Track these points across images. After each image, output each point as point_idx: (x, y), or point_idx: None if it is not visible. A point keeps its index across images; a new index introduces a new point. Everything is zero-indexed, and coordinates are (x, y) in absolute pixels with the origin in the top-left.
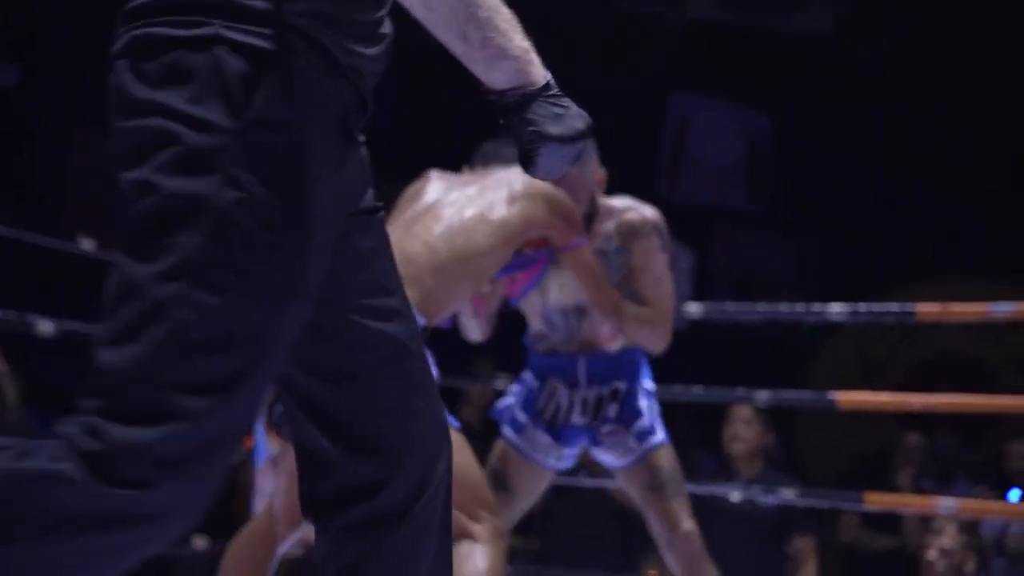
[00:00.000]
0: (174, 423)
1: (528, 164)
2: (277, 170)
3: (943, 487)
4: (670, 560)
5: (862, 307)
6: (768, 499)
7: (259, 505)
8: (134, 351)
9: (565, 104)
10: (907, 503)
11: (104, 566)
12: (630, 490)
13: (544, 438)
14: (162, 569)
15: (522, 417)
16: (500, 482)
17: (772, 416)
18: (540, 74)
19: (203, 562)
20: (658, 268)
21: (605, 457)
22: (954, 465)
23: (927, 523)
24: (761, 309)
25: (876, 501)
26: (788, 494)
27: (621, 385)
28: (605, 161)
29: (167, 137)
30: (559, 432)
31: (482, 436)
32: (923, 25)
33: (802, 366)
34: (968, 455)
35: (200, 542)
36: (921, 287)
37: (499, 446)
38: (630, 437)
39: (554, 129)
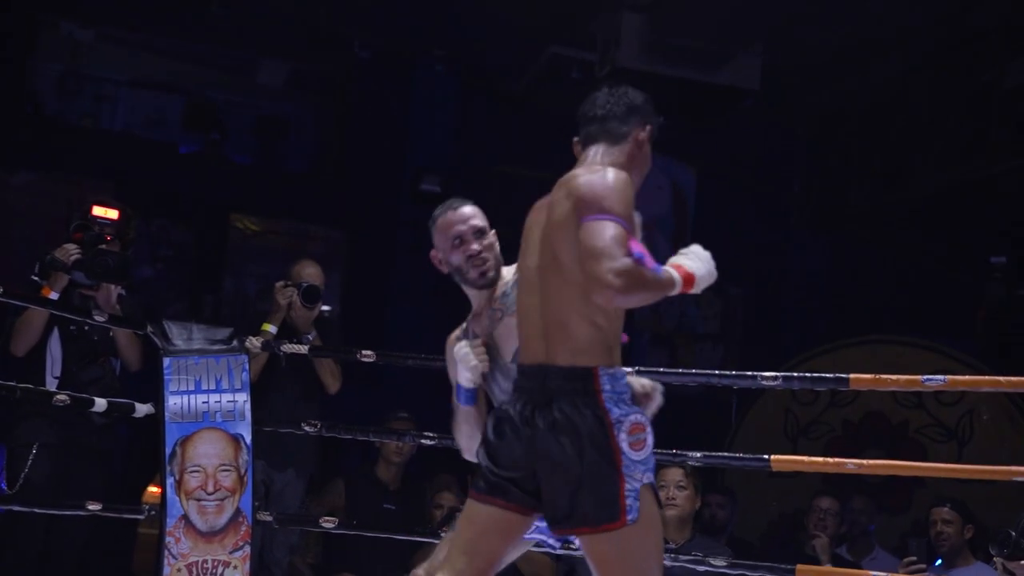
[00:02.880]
0: None
1: None
2: None
3: (861, 554)
4: None
5: (795, 374)
6: (698, 568)
7: (167, 565)
8: None
9: None
10: (837, 575)
11: None
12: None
13: None
14: None
15: None
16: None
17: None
18: None
19: None
20: None
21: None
22: (868, 527)
23: None
24: (695, 373)
25: (807, 572)
26: (719, 563)
27: None
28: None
29: None
30: None
31: (399, 493)
32: (850, 82)
33: (728, 426)
34: (886, 519)
35: None
36: (838, 349)
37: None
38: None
39: None
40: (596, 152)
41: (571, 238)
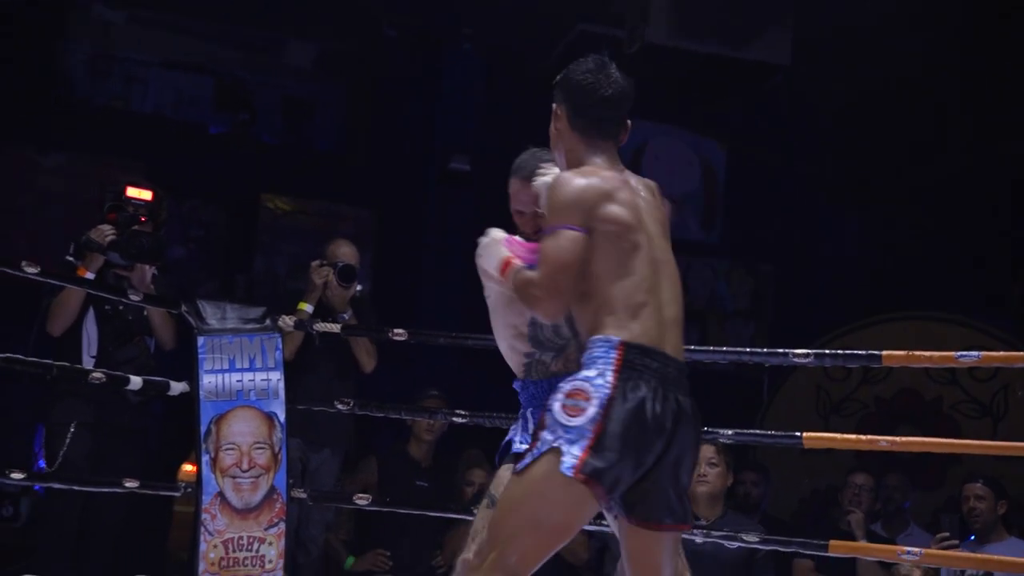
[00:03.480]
0: None
1: None
2: None
3: (895, 530)
4: None
5: (827, 351)
6: (731, 545)
7: (203, 541)
8: None
9: None
10: (869, 550)
11: None
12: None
13: None
14: None
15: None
16: None
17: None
18: None
19: None
20: None
21: None
22: (903, 503)
23: (885, 567)
24: (726, 350)
25: (840, 548)
26: (752, 539)
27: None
28: None
29: None
30: None
31: (431, 471)
32: (882, 58)
33: (759, 402)
34: (920, 495)
35: None
36: (871, 325)
37: (501, 476)
38: None
39: None
40: None
41: None
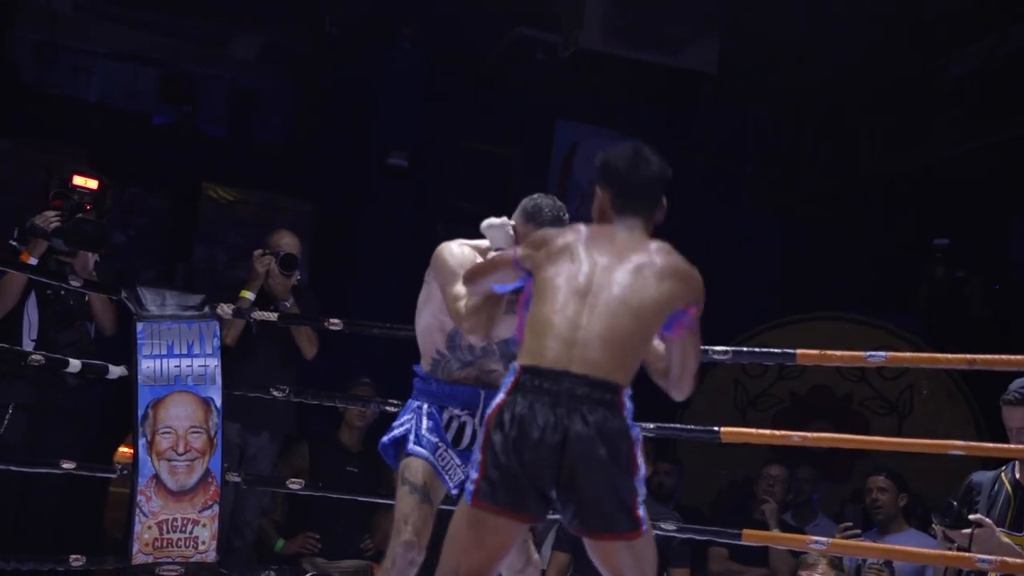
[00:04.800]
0: None
1: None
2: None
3: (804, 520)
4: None
5: (745, 349)
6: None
7: (138, 523)
8: None
9: None
10: (780, 539)
11: None
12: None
13: (455, 460)
14: None
15: (435, 438)
16: (426, 496)
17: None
18: None
19: None
20: None
21: None
22: (812, 495)
23: (795, 555)
24: None
25: (752, 537)
26: (669, 527)
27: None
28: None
29: None
30: (464, 456)
31: (361, 456)
32: (802, 68)
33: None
34: (829, 487)
35: (76, 560)
36: (787, 324)
37: (415, 464)
38: None
39: None
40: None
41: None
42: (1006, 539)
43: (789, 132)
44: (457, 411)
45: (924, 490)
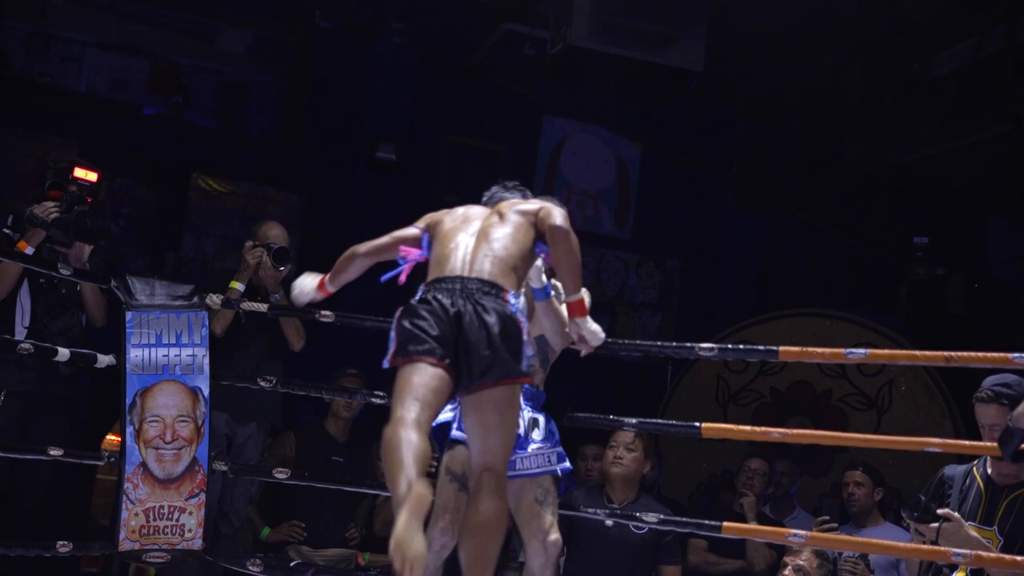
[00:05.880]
0: None
1: None
2: None
3: (782, 513)
4: (533, 558)
5: (729, 346)
6: (632, 524)
7: (125, 510)
8: None
9: None
10: (760, 532)
11: None
12: (515, 497)
13: None
14: (29, 572)
15: None
16: (464, 485)
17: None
18: None
19: (67, 566)
20: None
21: (524, 463)
22: (790, 489)
23: (772, 548)
24: (639, 343)
25: (732, 530)
26: (650, 520)
27: (540, 416)
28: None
29: None
30: None
31: (347, 446)
32: (786, 68)
33: (664, 390)
34: (808, 481)
35: (63, 546)
36: (769, 320)
37: (458, 452)
38: (553, 454)
39: None
40: None
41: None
42: (974, 533)
43: (773, 130)
44: None
45: (902, 484)
